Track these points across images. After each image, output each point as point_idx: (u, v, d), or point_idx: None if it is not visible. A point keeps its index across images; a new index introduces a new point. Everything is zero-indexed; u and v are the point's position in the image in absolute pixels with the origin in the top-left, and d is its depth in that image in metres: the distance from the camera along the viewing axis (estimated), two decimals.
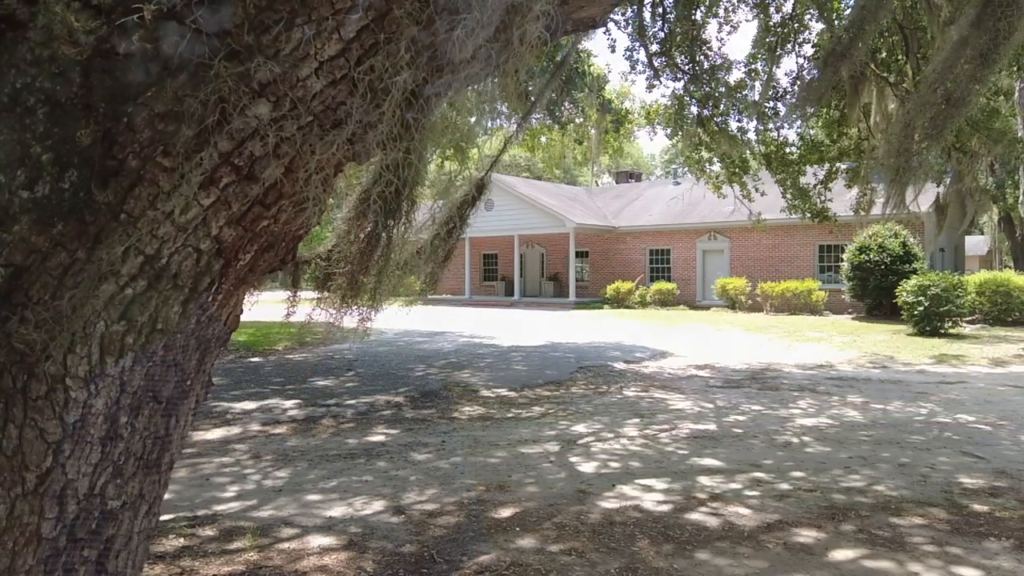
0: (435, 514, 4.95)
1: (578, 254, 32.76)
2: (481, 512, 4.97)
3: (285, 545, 4.42)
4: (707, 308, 27.88)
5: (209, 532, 4.66)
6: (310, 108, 1.48)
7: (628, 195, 36.22)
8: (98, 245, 1.44)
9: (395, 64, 1.47)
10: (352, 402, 9.09)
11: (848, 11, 10.82)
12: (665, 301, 28.59)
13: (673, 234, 30.38)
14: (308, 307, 2.81)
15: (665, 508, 5.05)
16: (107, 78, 1.37)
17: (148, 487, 1.68)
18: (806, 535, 4.52)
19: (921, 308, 17.39)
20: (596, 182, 59.41)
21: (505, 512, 4.98)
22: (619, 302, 29.35)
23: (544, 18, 1.51)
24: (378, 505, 5.14)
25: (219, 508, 5.11)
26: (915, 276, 18.79)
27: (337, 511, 5.01)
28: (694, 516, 4.88)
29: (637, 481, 5.70)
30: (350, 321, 2.06)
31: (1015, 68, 10.54)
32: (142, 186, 1.44)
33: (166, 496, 5.46)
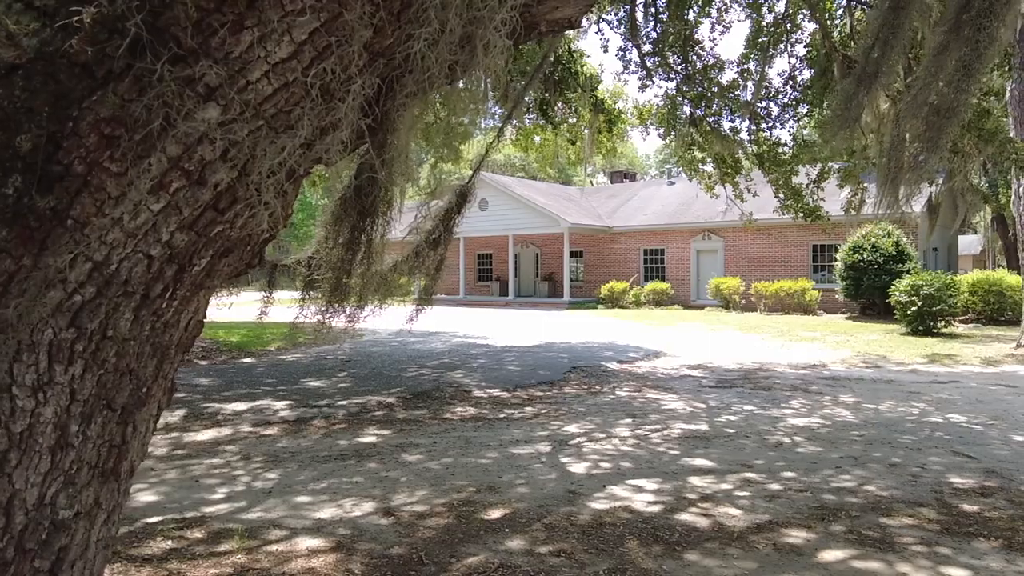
0: (425, 515, 4.93)
1: (573, 254, 32.77)
2: (471, 513, 4.96)
3: (273, 547, 4.40)
4: (701, 308, 27.90)
5: (197, 534, 4.63)
6: (261, 111, 1.46)
7: (623, 195, 36.24)
8: (44, 251, 1.41)
9: (346, 69, 1.45)
10: (344, 403, 9.06)
11: (840, 11, 10.84)
12: (659, 301, 28.61)
13: (667, 234, 30.40)
14: (292, 308, 2.79)
15: (655, 509, 5.04)
16: (51, 82, 1.34)
17: (105, 495, 1.65)
18: (796, 535, 4.51)
19: (914, 308, 17.41)
20: (591, 182, 59.41)
21: (495, 513, 4.96)
22: (613, 302, 29.36)
23: (507, 25, 1.48)
24: (368, 507, 5.12)
25: (208, 510, 5.09)
26: (908, 276, 18.82)
27: (326, 513, 4.99)
28: (684, 517, 4.87)
29: (628, 482, 5.68)
30: (339, 323, 2.03)
31: (1006, 68, 10.56)
32: (89, 191, 1.41)
33: (154, 498, 5.43)
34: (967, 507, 5.05)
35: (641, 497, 5.30)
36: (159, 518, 4.90)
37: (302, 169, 1.55)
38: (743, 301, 26.68)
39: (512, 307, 30.68)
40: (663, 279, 30.06)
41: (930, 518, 4.83)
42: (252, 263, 1.67)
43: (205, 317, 1.76)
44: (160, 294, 1.56)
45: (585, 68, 12.06)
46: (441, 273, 2.51)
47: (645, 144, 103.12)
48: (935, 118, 2.88)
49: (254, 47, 1.40)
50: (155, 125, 1.36)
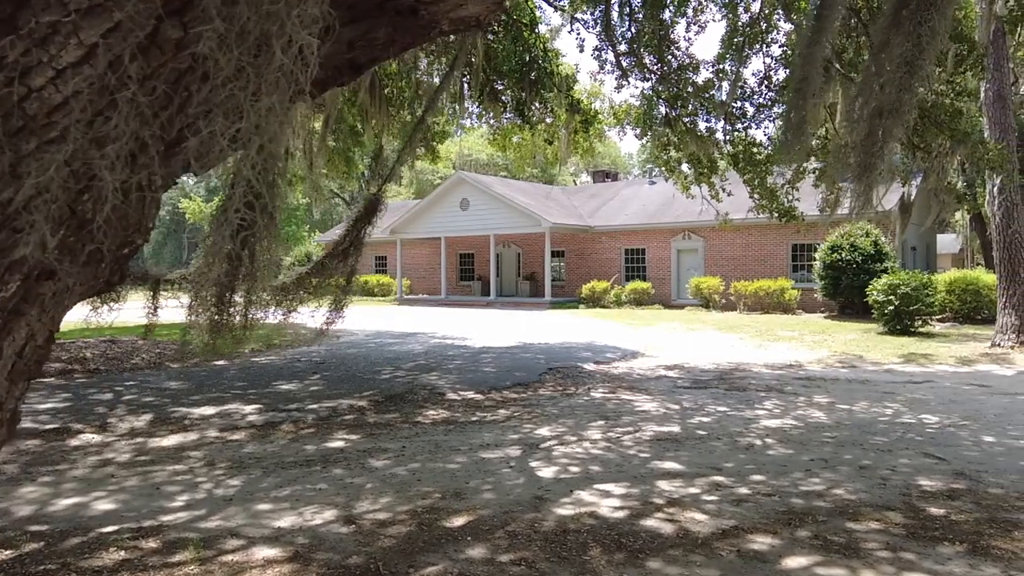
0: (387, 523, 4.84)
1: (554, 254, 32.72)
2: (434, 521, 4.87)
3: (228, 557, 4.29)
4: (681, 307, 27.94)
5: (152, 544, 4.51)
6: (52, 122, 1.34)
7: (604, 194, 36.23)
8: None
9: (120, 75, 1.34)
10: (314, 407, 8.94)
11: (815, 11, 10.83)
12: (640, 300, 28.63)
13: (648, 233, 30.42)
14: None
15: (621, 514, 4.97)
16: None
17: None
18: (761, 541, 4.46)
19: (891, 307, 17.49)
20: (574, 181, 59.46)
21: (458, 520, 4.87)
22: (595, 301, 29.35)
23: (318, 23, 1.38)
24: (329, 514, 5.02)
25: (166, 518, 4.97)
26: (886, 275, 18.90)
27: (286, 521, 4.89)
28: (649, 523, 4.80)
29: (596, 486, 5.62)
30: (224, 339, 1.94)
31: (979, 69, 10.59)
32: None
33: (112, 507, 5.29)
34: (934, 510, 5.03)
35: (608, 502, 5.23)
36: (114, 527, 4.78)
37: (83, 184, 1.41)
38: (723, 300, 26.75)
39: (494, 307, 30.58)
40: (644, 279, 30.07)
41: (897, 522, 4.79)
42: (112, 280, 1.55)
43: (52, 340, 1.64)
44: None
45: (561, 68, 11.99)
46: (353, 284, 2.41)
47: (628, 144, 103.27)
48: (878, 120, 2.82)
49: (34, 51, 1.28)
50: None
